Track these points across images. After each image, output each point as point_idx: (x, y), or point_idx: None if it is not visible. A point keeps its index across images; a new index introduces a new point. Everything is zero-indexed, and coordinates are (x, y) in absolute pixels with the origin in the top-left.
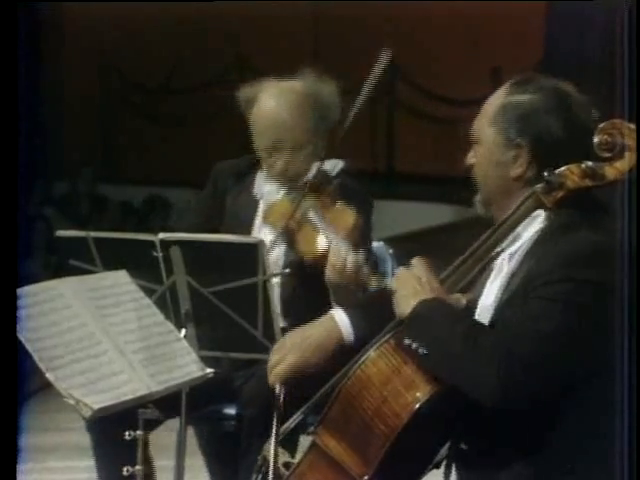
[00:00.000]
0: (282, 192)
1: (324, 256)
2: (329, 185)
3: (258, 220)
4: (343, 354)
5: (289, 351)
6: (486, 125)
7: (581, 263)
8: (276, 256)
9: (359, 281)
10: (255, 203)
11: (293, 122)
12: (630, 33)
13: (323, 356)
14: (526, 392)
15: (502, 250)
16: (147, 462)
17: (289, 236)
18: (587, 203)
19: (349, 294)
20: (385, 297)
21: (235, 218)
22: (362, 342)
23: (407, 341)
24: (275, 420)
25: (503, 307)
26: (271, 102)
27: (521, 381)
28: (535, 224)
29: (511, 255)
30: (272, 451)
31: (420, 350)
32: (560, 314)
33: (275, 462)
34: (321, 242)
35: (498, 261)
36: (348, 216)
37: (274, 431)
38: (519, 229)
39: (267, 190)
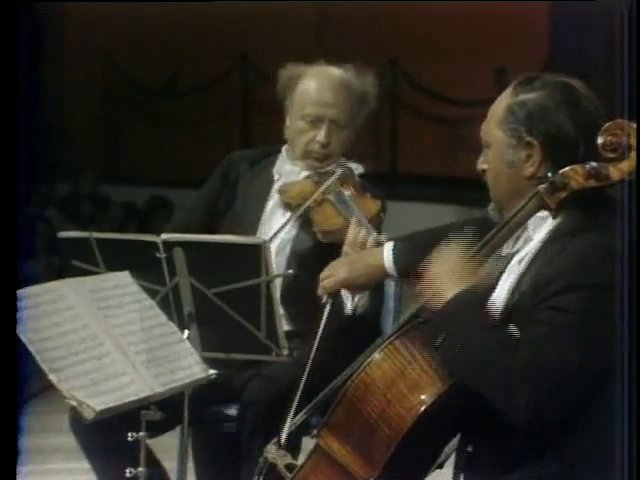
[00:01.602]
0: (304, 174)
1: (340, 232)
2: (354, 180)
3: (272, 201)
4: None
5: (341, 267)
6: (494, 128)
7: (594, 267)
8: (283, 240)
9: None
10: (270, 184)
11: (337, 99)
12: (630, 33)
13: (370, 280)
14: (554, 413)
15: (517, 251)
16: (154, 463)
17: (308, 213)
18: (597, 203)
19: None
20: (432, 236)
21: (247, 198)
22: (404, 277)
23: (436, 336)
24: (315, 344)
25: (513, 308)
26: (318, 79)
27: (550, 403)
28: (545, 225)
29: (521, 259)
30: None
31: (449, 350)
32: (582, 327)
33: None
34: (341, 219)
35: (512, 262)
36: (374, 204)
37: (304, 377)
38: (530, 231)
39: (288, 169)
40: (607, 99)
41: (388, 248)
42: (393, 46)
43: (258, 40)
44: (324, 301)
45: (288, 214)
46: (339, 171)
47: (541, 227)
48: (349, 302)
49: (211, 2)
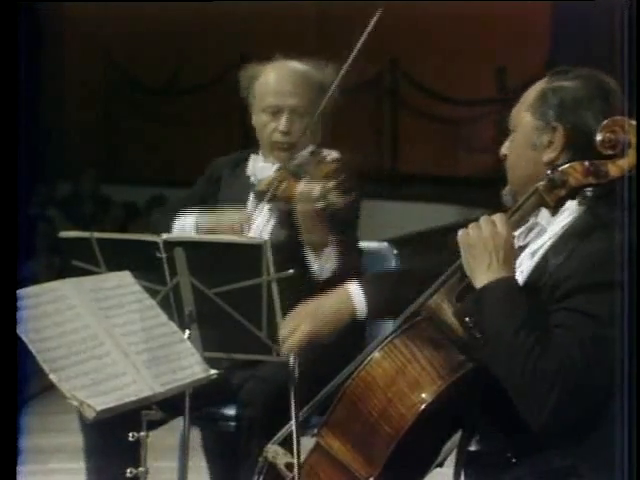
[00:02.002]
0: (275, 167)
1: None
2: (324, 163)
3: (251, 200)
4: (355, 327)
5: (303, 320)
6: (523, 111)
7: (612, 265)
8: (260, 231)
9: (325, 205)
10: (248, 185)
11: (295, 88)
12: (630, 33)
13: (336, 327)
14: (572, 417)
15: (528, 243)
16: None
17: (275, 196)
18: (615, 201)
19: (317, 228)
20: (403, 278)
21: (229, 200)
22: (375, 317)
23: (468, 320)
24: (292, 397)
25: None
26: (275, 72)
27: (572, 409)
28: (561, 219)
29: (534, 251)
30: (294, 433)
31: (475, 333)
32: (608, 336)
33: (298, 446)
34: (299, 185)
35: (524, 254)
36: (328, 165)
37: (293, 412)
38: (543, 223)
39: (260, 166)
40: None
41: (356, 290)
42: (393, 46)
43: (258, 40)
44: (292, 363)
45: (262, 206)
46: (305, 154)
47: (555, 220)
48: (315, 264)
49: (211, 2)
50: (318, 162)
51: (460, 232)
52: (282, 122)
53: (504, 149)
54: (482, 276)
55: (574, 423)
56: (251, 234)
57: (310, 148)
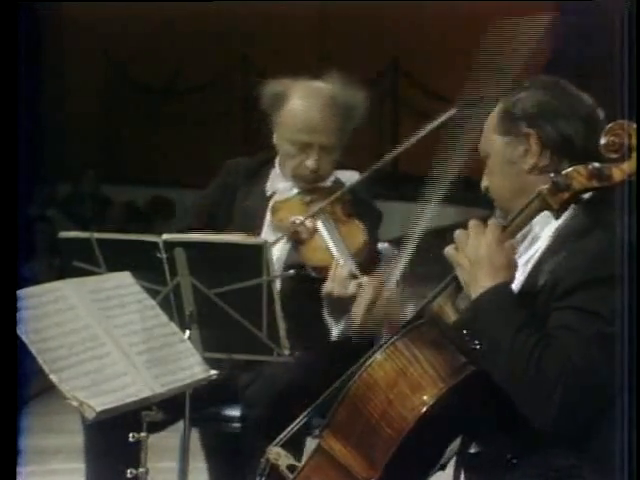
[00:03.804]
0: (295, 191)
1: (327, 268)
2: (344, 198)
3: (268, 217)
4: None
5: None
6: (491, 135)
7: (610, 262)
8: (279, 253)
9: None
10: (266, 200)
11: (326, 123)
12: (630, 33)
13: None
14: (578, 419)
15: (522, 252)
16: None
17: (297, 240)
18: (604, 201)
19: (342, 308)
20: None
21: (245, 215)
22: None
23: (465, 332)
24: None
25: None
26: (304, 101)
27: (578, 411)
28: (553, 224)
29: (527, 260)
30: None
31: (476, 346)
32: (606, 325)
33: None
34: (329, 254)
35: (519, 263)
36: (360, 233)
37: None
38: (536, 230)
39: (281, 187)
40: (607, 99)
41: None
42: (393, 46)
43: (259, 40)
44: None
45: (279, 234)
46: (329, 197)
47: (548, 225)
48: (333, 329)
49: (211, 2)
50: (345, 220)
51: (446, 249)
52: (311, 160)
53: (484, 182)
54: (475, 288)
55: (579, 423)
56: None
57: (332, 177)
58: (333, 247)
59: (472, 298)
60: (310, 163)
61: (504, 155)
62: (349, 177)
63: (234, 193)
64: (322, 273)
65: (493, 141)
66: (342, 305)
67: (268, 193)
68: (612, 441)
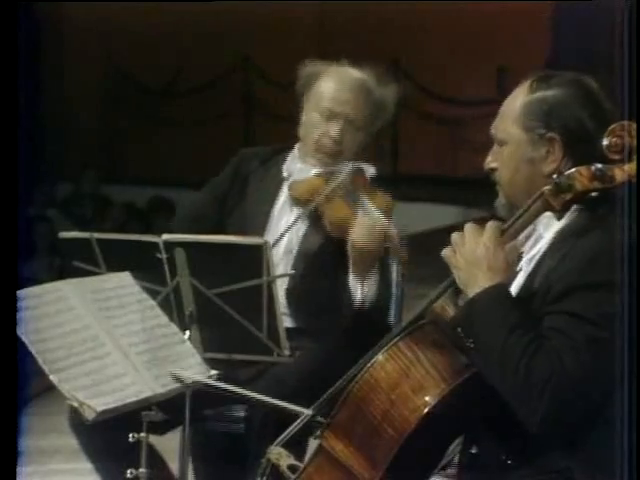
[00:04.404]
0: (314, 171)
1: (351, 224)
2: (365, 179)
3: (282, 199)
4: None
5: None
6: (511, 125)
7: (606, 265)
8: (290, 239)
9: (384, 249)
10: (280, 182)
11: (356, 100)
12: (631, 33)
13: None
14: (567, 421)
15: (527, 250)
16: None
17: (317, 210)
18: (605, 202)
19: (369, 263)
20: None
21: (257, 197)
22: None
23: (459, 330)
24: None
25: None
26: (338, 77)
27: (566, 413)
28: (556, 224)
29: (531, 258)
30: None
31: (468, 344)
32: (601, 339)
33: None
34: (351, 211)
35: (522, 261)
36: (386, 199)
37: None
38: (540, 230)
39: (299, 167)
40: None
41: None
42: (393, 46)
43: (259, 41)
44: None
45: (297, 211)
46: (348, 168)
47: (552, 226)
48: (358, 292)
49: (211, 2)
50: (370, 191)
51: (444, 251)
52: (335, 128)
53: (491, 163)
54: (471, 288)
55: (569, 426)
56: (275, 236)
57: (351, 164)
58: (357, 205)
59: (468, 298)
60: (334, 131)
61: (524, 152)
62: (366, 167)
63: (246, 178)
64: (343, 233)
65: (513, 132)
66: (368, 259)
67: (285, 174)
68: (609, 444)
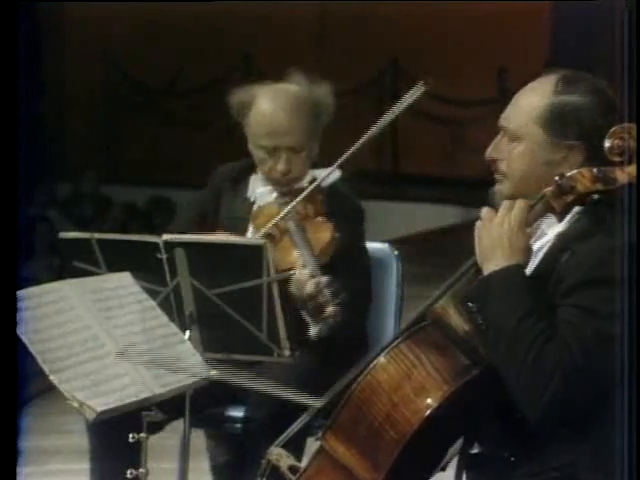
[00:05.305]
0: (274, 195)
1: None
2: (319, 194)
3: (251, 225)
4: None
5: None
6: (531, 123)
7: (613, 261)
8: None
9: (316, 303)
10: (249, 206)
11: (291, 124)
12: (630, 33)
13: None
14: (569, 413)
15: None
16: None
17: (271, 243)
18: (615, 199)
19: (315, 309)
20: None
21: (230, 221)
22: None
23: (471, 304)
24: None
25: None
26: (269, 104)
27: (570, 404)
28: (558, 224)
29: (536, 252)
30: None
31: (479, 320)
32: (609, 332)
33: None
34: (293, 256)
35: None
36: (325, 231)
37: None
38: (543, 227)
39: (260, 192)
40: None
41: None
42: (393, 46)
43: (260, 40)
44: None
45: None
46: (297, 200)
47: (554, 226)
48: (312, 328)
49: (211, 2)
50: (313, 217)
51: (477, 222)
52: (280, 163)
53: (494, 154)
54: (490, 264)
55: (572, 420)
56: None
57: (309, 176)
58: (298, 248)
59: (485, 274)
60: (280, 166)
61: (542, 153)
62: (330, 174)
63: (219, 198)
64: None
65: (532, 131)
66: (310, 306)
67: (251, 199)
68: (610, 441)
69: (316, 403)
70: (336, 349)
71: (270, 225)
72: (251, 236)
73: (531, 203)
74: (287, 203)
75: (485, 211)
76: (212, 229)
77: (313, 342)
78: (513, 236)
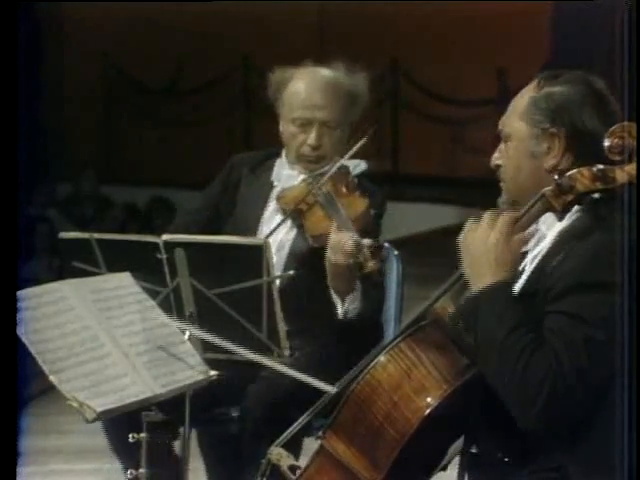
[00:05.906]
0: (301, 177)
1: (327, 237)
2: (348, 178)
3: (270, 207)
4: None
5: None
6: (516, 120)
7: (607, 265)
8: (281, 241)
9: (356, 262)
10: (269, 188)
11: (327, 100)
12: (630, 33)
13: None
14: (563, 421)
15: (527, 251)
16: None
17: (298, 216)
18: (608, 203)
19: (345, 278)
20: None
21: (248, 203)
22: None
23: (460, 323)
24: None
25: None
26: (305, 81)
27: (562, 413)
28: (559, 224)
29: (534, 257)
30: None
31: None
32: (599, 340)
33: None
34: (329, 222)
35: (526, 260)
36: (360, 203)
37: None
38: (543, 230)
39: (286, 174)
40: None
41: None
42: (393, 46)
43: (260, 40)
44: None
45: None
46: (330, 171)
47: (554, 226)
48: (339, 306)
49: (211, 2)
50: (347, 194)
51: (460, 236)
52: (312, 136)
53: (497, 160)
54: (477, 281)
55: (563, 425)
56: (267, 239)
57: (338, 161)
58: (332, 215)
59: (472, 291)
60: (311, 139)
61: (527, 146)
62: (356, 164)
63: (237, 185)
64: (323, 243)
65: (517, 126)
66: (344, 275)
67: (274, 183)
68: (602, 443)
69: (331, 389)
70: (352, 338)
71: (300, 200)
72: (270, 214)
73: (530, 203)
74: (314, 183)
75: (469, 223)
76: (227, 216)
77: (331, 331)
78: (498, 251)
